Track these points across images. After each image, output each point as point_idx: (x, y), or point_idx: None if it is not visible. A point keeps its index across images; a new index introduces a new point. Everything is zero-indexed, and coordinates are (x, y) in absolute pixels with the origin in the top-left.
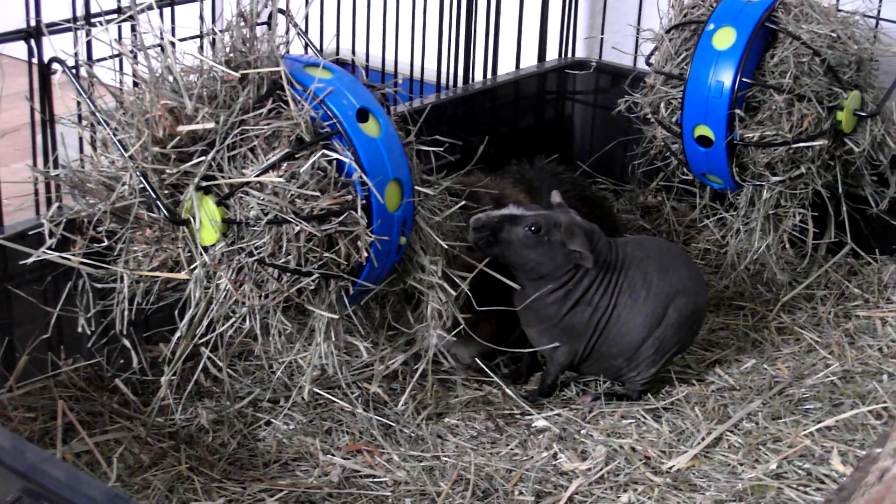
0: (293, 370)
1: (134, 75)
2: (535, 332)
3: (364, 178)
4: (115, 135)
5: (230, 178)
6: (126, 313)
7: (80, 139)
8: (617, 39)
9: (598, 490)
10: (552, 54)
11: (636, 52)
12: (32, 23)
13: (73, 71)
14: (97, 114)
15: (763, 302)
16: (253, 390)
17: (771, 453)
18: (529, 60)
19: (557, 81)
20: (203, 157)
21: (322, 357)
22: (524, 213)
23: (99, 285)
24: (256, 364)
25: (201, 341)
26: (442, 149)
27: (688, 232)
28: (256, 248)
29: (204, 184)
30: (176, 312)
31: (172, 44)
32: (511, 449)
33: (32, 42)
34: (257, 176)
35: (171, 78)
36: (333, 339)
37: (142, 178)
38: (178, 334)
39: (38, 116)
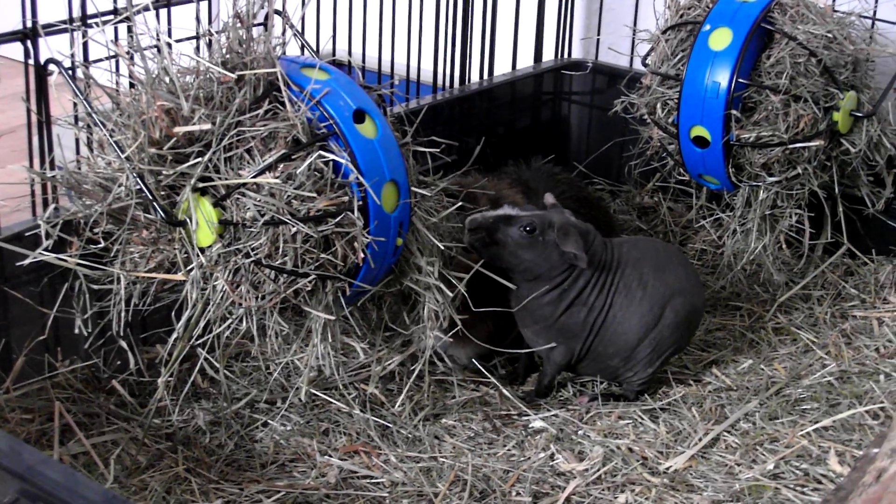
0: (290, 371)
1: (130, 76)
2: (532, 332)
3: (360, 179)
4: (111, 136)
5: (227, 179)
6: (123, 314)
7: (77, 140)
8: (613, 40)
9: (596, 491)
10: (548, 55)
11: (632, 52)
12: (29, 24)
13: (70, 72)
14: (94, 115)
15: (760, 302)
16: (250, 391)
17: (768, 454)
18: (526, 61)
19: (554, 82)
20: (199, 159)
21: (319, 358)
22: (519, 213)
23: (96, 286)
24: (253, 365)
25: (198, 342)
26: (438, 150)
27: (684, 232)
28: (253, 250)
29: (200, 185)
30: (173, 314)
31: (169, 45)
32: (508, 450)
33: (29, 43)
34: (254, 177)
35: (167, 79)
36: (330, 340)
37: (138, 179)
38: (174, 335)
39: (34, 118)
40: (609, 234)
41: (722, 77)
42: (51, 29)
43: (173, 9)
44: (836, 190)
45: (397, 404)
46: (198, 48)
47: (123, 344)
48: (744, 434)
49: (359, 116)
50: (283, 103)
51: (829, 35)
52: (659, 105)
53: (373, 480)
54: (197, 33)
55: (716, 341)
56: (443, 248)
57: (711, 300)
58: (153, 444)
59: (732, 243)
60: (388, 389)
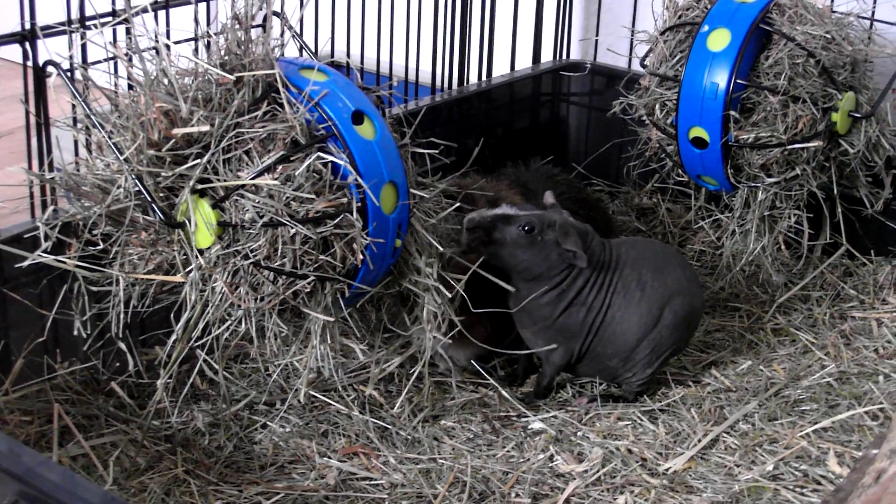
0: (289, 373)
1: (129, 78)
2: (530, 333)
3: (359, 180)
4: (110, 138)
5: (225, 180)
6: (122, 316)
7: (76, 142)
8: (612, 41)
9: (595, 492)
10: (547, 56)
11: (631, 53)
12: (27, 26)
13: (68, 74)
14: (92, 117)
15: (759, 303)
16: (249, 393)
17: (767, 455)
18: (524, 62)
19: (552, 83)
20: (198, 160)
21: (318, 360)
22: (517, 213)
23: (94, 288)
24: (252, 367)
25: (197, 344)
26: (437, 151)
27: (683, 233)
28: (252, 251)
29: (199, 186)
30: (172, 315)
31: (167, 46)
32: (507, 451)
33: (27, 45)
34: (252, 179)
35: (166, 81)
36: (329, 341)
37: (137, 181)
38: (173, 337)
39: (33, 119)
40: (608, 235)
41: (720, 78)
42: (49, 31)
43: (172, 10)
44: (835, 191)
45: (396, 406)
46: (196, 50)
47: (122, 346)
48: (743, 435)
49: (357, 118)
50: (281, 105)
51: (828, 36)
52: (658, 106)
53: (372, 482)
54: (195, 35)
55: (715, 342)
56: (441, 249)
57: (710, 301)
58: (152, 446)
59: (731, 244)
60: (387, 391)
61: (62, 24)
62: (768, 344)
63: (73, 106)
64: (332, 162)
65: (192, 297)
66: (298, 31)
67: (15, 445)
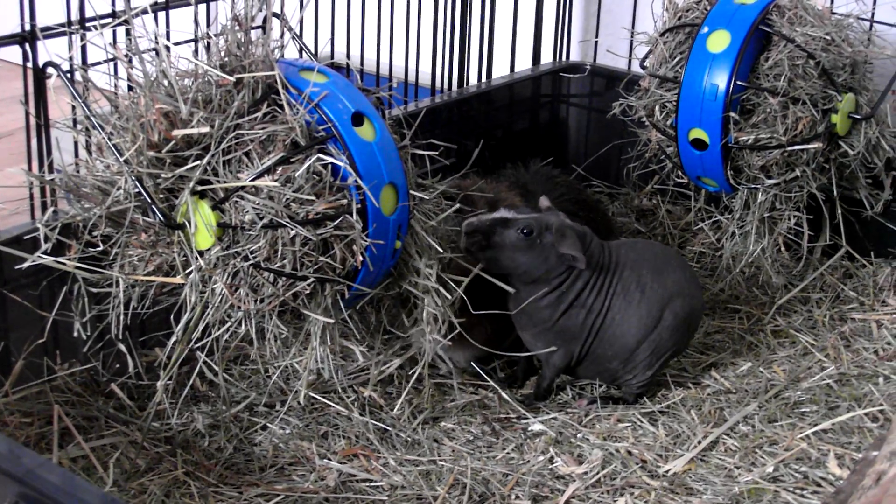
0: (289, 374)
1: (129, 79)
2: (530, 335)
3: (359, 182)
4: (110, 139)
5: (225, 182)
6: (122, 318)
7: (76, 143)
8: (611, 42)
9: (595, 494)
10: (547, 58)
11: (630, 55)
12: (27, 27)
13: (68, 75)
14: (92, 118)
15: (758, 305)
16: (249, 395)
17: (767, 456)
18: (524, 64)
19: (552, 85)
20: (198, 162)
21: (318, 361)
22: (516, 216)
23: (94, 290)
24: (252, 368)
25: (197, 346)
26: (437, 152)
27: (683, 235)
28: (252, 253)
29: (199, 188)
30: (171, 317)
31: (167, 48)
32: (507, 453)
33: (27, 46)
34: (252, 180)
35: (165, 82)
36: (329, 343)
37: (137, 182)
38: (173, 339)
39: (32, 121)
40: (608, 236)
41: (720, 79)
42: (49, 32)
43: (172, 12)
44: (835, 192)
45: (396, 407)
46: (196, 51)
47: (122, 347)
48: (743, 437)
49: (357, 119)
50: (281, 106)
51: (828, 37)
52: (657, 107)
53: (372, 484)
54: (195, 36)
55: (715, 344)
56: (441, 250)
57: (710, 303)
58: (152, 448)
59: (731, 246)
60: (386, 393)
61: (62, 25)
62: (768, 346)
63: (73, 107)
64: (331, 163)
65: (191, 298)
66: (298, 33)
67: (15, 447)
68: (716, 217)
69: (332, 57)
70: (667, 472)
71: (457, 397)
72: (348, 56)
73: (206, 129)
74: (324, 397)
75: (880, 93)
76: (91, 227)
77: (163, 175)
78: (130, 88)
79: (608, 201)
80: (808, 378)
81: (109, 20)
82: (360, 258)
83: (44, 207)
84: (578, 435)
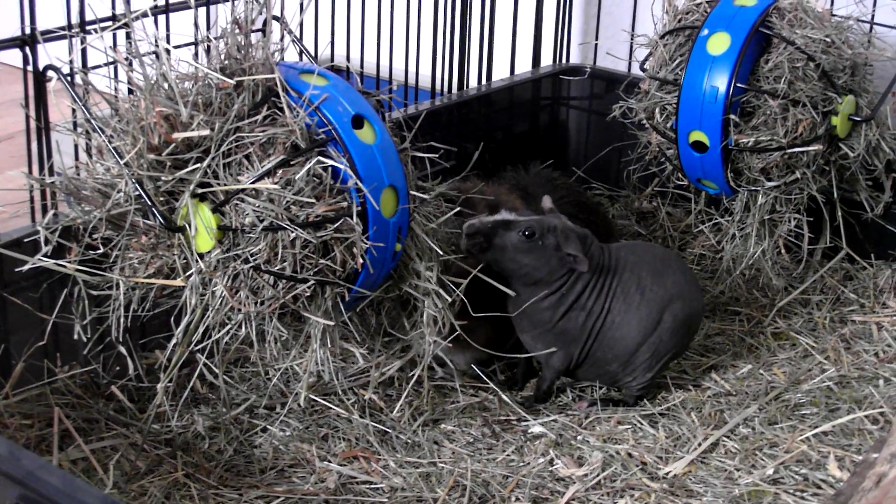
0: (289, 377)
1: (129, 82)
2: (530, 337)
3: (359, 184)
4: (110, 142)
5: (226, 185)
6: (122, 320)
7: (76, 146)
8: (611, 45)
9: (595, 496)
10: (547, 60)
11: (630, 57)
12: (27, 30)
13: (69, 78)
14: (92, 121)
15: (759, 307)
16: (249, 397)
17: (768, 459)
18: (524, 66)
19: (552, 87)
20: (198, 165)
21: (318, 363)
22: (517, 218)
23: (95, 292)
24: (252, 371)
25: (197, 348)
26: (437, 155)
27: (683, 237)
28: (252, 255)
29: (199, 191)
30: (172, 319)
31: (167, 51)
32: (507, 455)
33: (27, 49)
34: (253, 183)
35: (166, 85)
36: (329, 345)
37: (137, 185)
38: (174, 341)
39: (33, 124)
40: (608, 239)
41: (720, 82)
42: (49, 35)
43: (172, 15)
44: (835, 194)
45: (396, 410)
46: (196, 54)
47: (122, 349)
48: (743, 439)
49: (357, 122)
50: (281, 109)
51: (828, 39)
52: (657, 110)
53: (372, 486)
54: (195, 39)
55: (715, 346)
56: (441, 253)
57: (710, 305)
58: (152, 450)
59: (731, 248)
60: (386, 395)
61: (62, 28)
62: (768, 348)
63: (73, 110)
64: (332, 166)
65: (192, 300)
66: (298, 36)
67: (15, 449)
68: (716, 219)
69: (332, 60)
70: (667, 474)
71: (457, 400)
72: (348, 59)
73: (206, 132)
74: (324, 399)
75: (880, 95)
76: (91, 230)
77: (163, 178)
78: (131, 91)
79: (608, 204)
80: (809, 380)
81: (109, 23)
82: (361, 261)
83: (44, 210)
84: (578, 437)
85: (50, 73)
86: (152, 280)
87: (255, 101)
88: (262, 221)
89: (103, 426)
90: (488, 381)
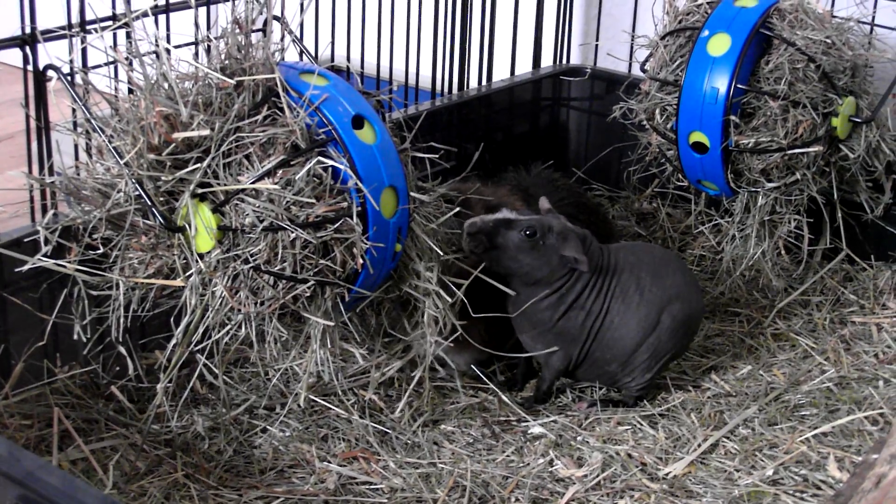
0: (289, 377)
1: (129, 82)
2: (529, 337)
3: (359, 185)
4: (110, 142)
5: (226, 185)
6: (122, 320)
7: (76, 146)
8: (612, 46)
9: (595, 497)
10: (547, 61)
11: (631, 58)
12: (28, 30)
13: (69, 78)
14: (92, 121)
15: (759, 308)
16: (249, 397)
17: (767, 459)
18: (524, 67)
19: (552, 88)
20: (198, 165)
21: (318, 364)
22: (518, 217)
23: (94, 292)
24: (252, 371)
25: (197, 348)
26: (437, 155)
27: (683, 238)
28: (252, 256)
29: (199, 191)
30: (172, 319)
31: (167, 51)
32: (507, 455)
33: (27, 49)
34: (253, 183)
35: (166, 85)
36: (329, 345)
37: (137, 185)
38: (173, 341)
39: (33, 123)
40: (608, 240)
41: (721, 83)
42: (49, 35)
43: (172, 15)
44: (835, 196)
45: (396, 410)
46: (196, 54)
47: (122, 350)
48: (743, 440)
49: (357, 122)
50: (281, 109)
51: (828, 41)
52: (658, 111)
53: (372, 486)
54: (196, 39)
55: (715, 347)
56: (441, 253)
57: (710, 306)
58: (152, 450)
59: (731, 249)
60: (386, 395)
61: (62, 28)
62: (768, 349)
63: (74, 110)
64: (332, 166)
65: (192, 301)
66: (298, 36)
67: (15, 449)
68: (716, 220)
69: (333, 60)
70: (667, 474)
71: (457, 400)
72: (349, 59)
73: (206, 132)
74: (324, 400)
75: (881, 96)
76: (91, 230)
77: (163, 178)
78: (131, 91)
79: (608, 205)
80: (808, 381)
81: (110, 23)
82: (361, 261)
83: (44, 210)
84: (578, 438)
85: (50, 73)
86: (152, 280)
87: (255, 101)
88: (262, 222)
89: (103, 426)
90: (488, 381)
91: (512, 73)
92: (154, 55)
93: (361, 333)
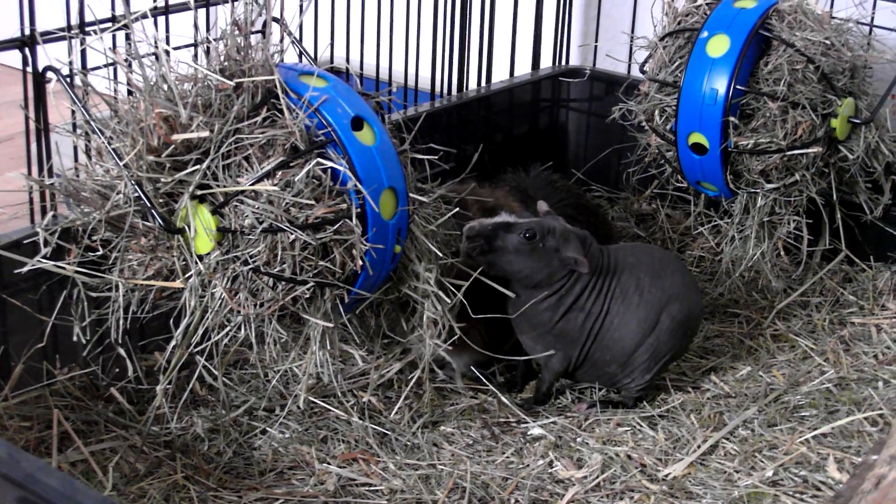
0: (288, 379)
1: (128, 84)
2: (529, 339)
3: (359, 186)
4: (109, 143)
5: (225, 186)
6: (121, 322)
7: (75, 148)
8: (611, 47)
9: (595, 498)
10: (546, 62)
11: (630, 59)
12: (27, 31)
13: (68, 80)
14: (92, 122)
15: (758, 309)
16: (248, 399)
17: (767, 460)
18: (523, 68)
19: (552, 89)
20: (198, 166)
21: (317, 365)
22: (517, 220)
23: (94, 294)
24: (252, 373)
25: (197, 350)
26: (436, 157)
27: (682, 239)
28: (251, 257)
29: (199, 192)
30: (171, 321)
31: (167, 52)
32: (507, 457)
33: (27, 50)
34: (252, 184)
35: (165, 86)
36: (329, 347)
37: (136, 186)
38: (173, 343)
39: (32, 125)
40: (607, 241)
41: (720, 84)
42: (49, 36)
43: (171, 16)
44: (835, 197)
45: (396, 412)
46: (196, 56)
47: (122, 351)
48: (742, 441)
49: (357, 124)
50: (281, 111)
51: (827, 42)
52: (657, 112)
53: (371, 488)
54: (195, 40)
55: (714, 348)
56: (441, 255)
57: (710, 307)
58: (152, 452)
59: (731, 250)
60: (386, 397)
61: (62, 29)
62: (768, 350)
63: (73, 112)
64: (331, 168)
65: (191, 302)
66: (298, 37)
67: (14, 451)
68: (715, 221)
69: (332, 61)
70: (666, 476)
71: (456, 402)
72: (348, 60)
73: (205, 134)
74: (323, 401)
75: (880, 97)
76: (91, 232)
77: (162, 179)
78: (130, 93)
79: (608, 206)
80: (808, 382)
81: (109, 24)
82: (360, 262)
83: (43, 212)
84: (578, 439)
85: (49, 75)
86: (151, 282)
87: (254, 103)
88: (261, 223)
89: (102, 428)
90: (488, 383)
91: (511, 74)
92: (153, 57)
93: (361, 335)
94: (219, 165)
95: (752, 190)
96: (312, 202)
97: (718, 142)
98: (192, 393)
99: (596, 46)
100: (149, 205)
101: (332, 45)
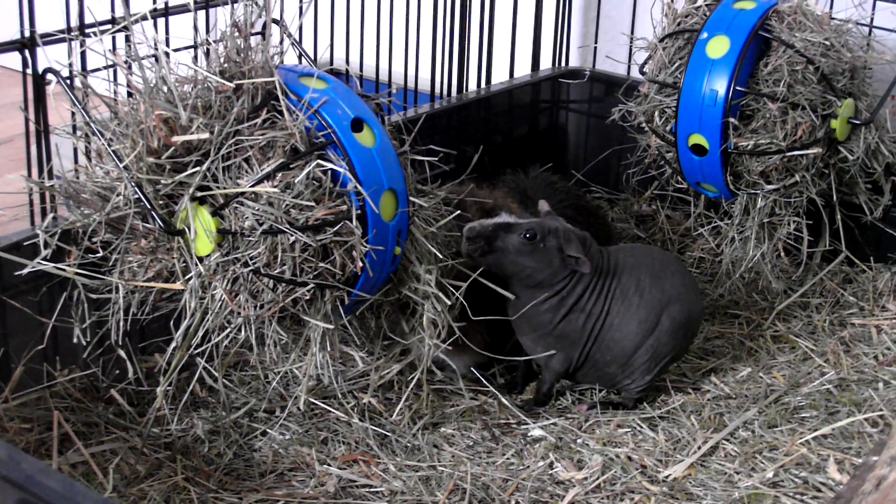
0: (289, 380)
1: (128, 86)
2: (530, 340)
3: (359, 187)
4: (109, 145)
5: (225, 188)
6: (121, 324)
7: (75, 150)
8: (611, 48)
9: (595, 499)
10: (546, 63)
11: (630, 60)
12: (27, 33)
13: (68, 81)
14: (92, 124)
15: (758, 310)
16: (249, 400)
17: (767, 462)
18: (523, 69)
19: (551, 90)
20: (198, 168)
21: (317, 367)
22: (518, 220)
23: (94, 296)
24: (252, 374)
25: (197, 351)
26: (436, 158)
27: (682, 240)
28: (251, 259)
29: (199, 194)
30: (171, 323)
31: (167, 54)
32: (507, 458)
33: (27, 52)
34: (252, 186)
35: (165, 88)
36: (329, 349)
37: (136, 188)
38: (173, 344)
39: (32, 127)
40: (607, 242)
41: (720, 85)
42: (49, 38)
43: (171, 18)
44: (835, 197)
45: (396, 413)
46: (196, 57)
47: (122, 353)
48: (743, 442)
49: (357, 125)
50: (281, 112)
51: (827, 43)
52: (657, 113)
53: (372, 489)
54: (195, 42)
55: (714, 349)
56: (441, 256)
57: (710, 308)
58: (152, 454)
59: (731, 251)
60: (386, 398)
61: (61, 31)
62: (768, 351)
63: (73, 113)
64: (331, 169)
65: (191, 304)
66: (298, 39)
67: (14, 453)
68: (715, 222)
69: (332, 63)
70: (667, 477)
71: (459, 402)
72: (347, 62)
73: (205, 135)
74: (323, 403)
75: (879, 98)
76: (91, 234)
77: (162, 181)
78: (130, 95)
79: (608, 207)
80: (808, 383)
81: (109, 26)
82: (360, 264)
83: (43, 214)
84: (578, 440)
85: (49, 77)
86: (152, 283)
87: (254, 105)
88: (261, 225)
89: (103, 430)
90: (488, 384)
91: (511, 75)
92: (153, 59)
93: (361, 336)
94: (219, 167)
95: (752, 191)
96: (312, 204)
97: (718, 143)
98: (192, 394)
99: (595, 48)
100: (149, 206)
101: (331, 46)
